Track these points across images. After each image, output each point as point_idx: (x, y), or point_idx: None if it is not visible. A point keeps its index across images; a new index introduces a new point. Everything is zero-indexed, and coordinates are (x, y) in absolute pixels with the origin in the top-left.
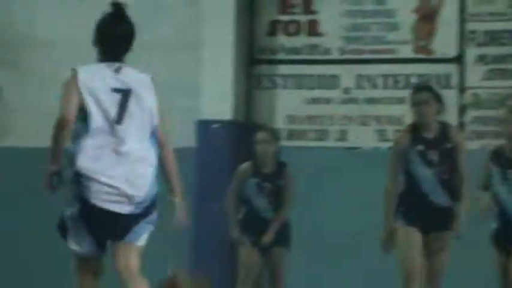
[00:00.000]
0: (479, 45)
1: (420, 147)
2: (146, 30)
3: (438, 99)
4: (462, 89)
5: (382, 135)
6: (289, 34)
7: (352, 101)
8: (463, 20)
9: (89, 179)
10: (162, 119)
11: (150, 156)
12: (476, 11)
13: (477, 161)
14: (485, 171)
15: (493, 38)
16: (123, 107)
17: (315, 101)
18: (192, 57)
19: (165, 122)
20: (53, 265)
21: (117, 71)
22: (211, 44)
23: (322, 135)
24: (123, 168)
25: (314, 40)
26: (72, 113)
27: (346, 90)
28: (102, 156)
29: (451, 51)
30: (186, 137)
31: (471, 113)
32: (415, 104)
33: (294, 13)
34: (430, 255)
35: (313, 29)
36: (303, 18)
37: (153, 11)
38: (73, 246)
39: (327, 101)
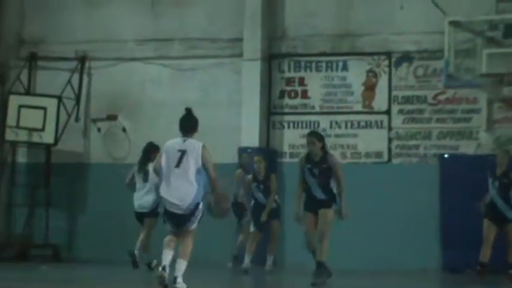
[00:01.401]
0: (399, 104)
1: (309, 166)
2: (215, 96)
3: (320, 139)
4: (390, 129)
5: (344, 156)
6: (290, 97)
7: (327, 136)
8: (390, 89)
9: (163, 197)
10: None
11: (191, 185)
12: (397, 84)
13: (400, 173)
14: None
15: (407, 100)
16: (181, 159)
17: (305, 135)
18: (237, 111)
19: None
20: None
21: (184, 141)
22: (247, 104)
23: None
24: (176, 191)
25: (305, 101)
26: (159, 165)
27: (323, 130)
28: (169, 186)
29: (383, 107)
30: (232, 157)
31: (395, 143)
32: (308, 143)
33: (293, 85)
34: (320, 221)
35: (304, 94)
36: (298, 88)
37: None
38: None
39: None
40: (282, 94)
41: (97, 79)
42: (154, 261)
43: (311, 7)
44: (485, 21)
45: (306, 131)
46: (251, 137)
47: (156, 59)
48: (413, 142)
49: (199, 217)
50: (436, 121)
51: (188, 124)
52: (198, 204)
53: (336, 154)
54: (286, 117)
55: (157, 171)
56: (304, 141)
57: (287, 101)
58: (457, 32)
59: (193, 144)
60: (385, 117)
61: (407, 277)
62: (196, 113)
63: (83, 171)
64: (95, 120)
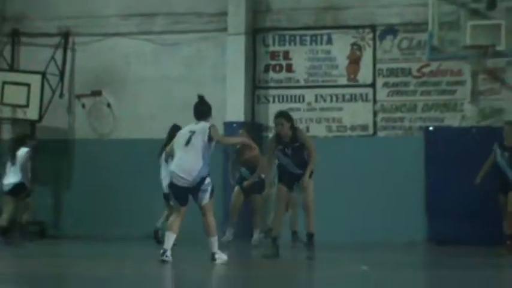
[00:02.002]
0: (384, 77)
1: (280, 147)
2: (200, 71)
3: (288, 119)
4: (375, 102)
5: (329, 130)
6: (275, 71)
7: (312, 109)
8: (374, 63)
9: (172, 172)
10: (219, 135)
11: (197, 160)
12: (381, 57)
13: (385, 145)
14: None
15: (392, 73)
16: (190, 138)
17: (290, 109)
18: (221, 86)
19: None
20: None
21: (196, 123)
22: (232, 79)
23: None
24: (183, 164)
25: (290, 75)
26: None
27: (309, 103)
28: (178, 160)
29: (368, 80)
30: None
31: (380, 115)
32: (276, 124)
33: (278, 59)
34: (303, 194)
35: (289, 68)
36: (283, 62)
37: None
38: (171, 202)
39: (298, 109)
40: (266, 68)
41: (81, 55)
42: None
43: None
44: None
45: (292, 104)
46: (236, 112)
47: (139, 34)
48: (398, 115)
49: (209, 191)
50: (421, 94)
51: (200, 110)
52: (204, 178)
53: (321, 127)
54: (271, 91)
55: (169, 154)
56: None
57: (272, 75)
58: (441, 4)
59: (203, 126)
60: (370, 90)
61: (394, 250)
62: (180, 88)
63: (67, 147)
64: (79, 96)
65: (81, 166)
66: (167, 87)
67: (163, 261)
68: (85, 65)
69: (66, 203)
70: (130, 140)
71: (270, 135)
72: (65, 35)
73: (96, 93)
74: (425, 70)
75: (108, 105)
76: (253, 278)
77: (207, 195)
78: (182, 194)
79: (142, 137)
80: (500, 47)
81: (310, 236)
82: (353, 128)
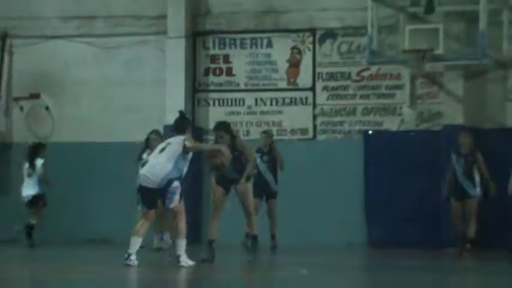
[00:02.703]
0: (324, 80)
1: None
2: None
3: (227, 130)
4: (314, 105)
5: (268, 133)
6: (215, 75)
7: (252, 113)
8: (314, 66)
9: (140, 174)
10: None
11: (166, 165)
12: (321, 60)
13: (325, 149)
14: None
15: (331, 77)
16: (163, 149)
17: (230, 113)
18: (161, 89)
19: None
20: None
21: (173, 136)
22: (172, 82)
23: (235, 131)
24: (151, 170)
25: (230, 78)
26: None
27: (249, 107)
28: (146, 165)
29: (308, 84)
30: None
31: (320, 119)
32: (216, 136)
33: (218, 63)
34: (241, 197)
35: (229, 72)
36: (223, 65)
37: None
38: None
39: (238, 113)
40: (206, 71)
41: (19, 57)
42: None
43: None
44: None
45: (232, 108)
46: (176, 115)
47: (79, 37)
48: (338, 118)
49: (178, 194)
50: (360, 97)
51: (179, 124)
52: (171, 180)
53: (260, 131)
54: (212, 95)
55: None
56: (227, 118)
57: (212, 78)
58: (380, 8)
59: (179, 138)
60: (309, 94)
61: (333, 252)
62: (121, 91)
63: (5, 150)
64: (17, 99)
65: (18, 170)
66: (107, 90)
67: (128, 265)
68: (23, 68)
69: (4, 207)
70: (69, 143)
71: (211, 137)
72: (3, 37)
73: (35, 96)
74: (365, 74)
75: (47, 108)
76: (173, 283)
77: (176, 197)
78: (150, 197)
79: (82, 140)
80: (439, 51)
81: (254, 238)
82: (293, 131)
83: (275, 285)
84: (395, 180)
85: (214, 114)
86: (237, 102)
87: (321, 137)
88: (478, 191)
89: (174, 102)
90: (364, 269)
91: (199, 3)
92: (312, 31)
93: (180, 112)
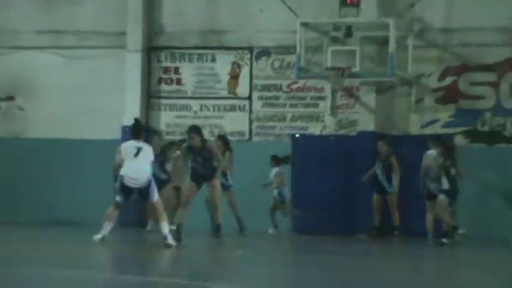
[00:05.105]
0: (259, 91)
1: (192, 155)
2: (102, 82)
3: (198, 133)
4: (251, 112)
5: (212, 134)
6: (167, 84)
7: (198, 117)
8: (251, 79)
9: (124, 176)
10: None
11: (146, 168)
12: (257, 74)
13: (259, 149)
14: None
15: (265, 88)
16: (137, 153)
17: (179, 117)
18: (120, 95)
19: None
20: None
21: (138, 142)
22: (131, 88)
23: (183, 134)
24: (135, 171)
25: (179, 87)
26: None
27: (195, 112)
28: (129, 167)
29: (246, 94)
30: (115, 134)
31: (255, 123)
32: (189, 138)
33: (170, 74)
34: (209, 192)
35: (179, 81)
36: (174, 76)
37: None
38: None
39: (185, 117)
40: (159, 81)
41: None
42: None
43: (184, 7)
44: (330, 23)
45: (180, 113)
46: (132, 117)
47: (50, 48)
48: (270, 123)
49: (155, 191)
50: (290, 106)
51: (137, 130)
52: (149, 180)
53: (205, 132)
54: (163, 101)
55: (119, 163)
56: (177, 121)
57: (164, 87)
58: (307, 31)
59: (146, 146)
60: (247, 102)
61: (262, 238)
62: (85, 95)
63: None
64: None
65: None
66: (73, 94)
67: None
68: (0, 73)
69: None
70: (40, 139)
71: (163, 138)
72: None
73: (10, 98)
74: (294, 86)
75: (21, 108)
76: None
77: (155, 193)
78: (129, 193)
79: (51, 137)
80: (355, 69)
81: (217, 226)
82: (232, 133)
83: (217, 264)
84: (316, 176)
85: (166, 118)
86: (185, 107)
87: (255, 139)
88: (393, 187)
89: (131, 107)
90: (291, 251)
91: (154, 22)
92: (250, 49)
93: (135, 119)
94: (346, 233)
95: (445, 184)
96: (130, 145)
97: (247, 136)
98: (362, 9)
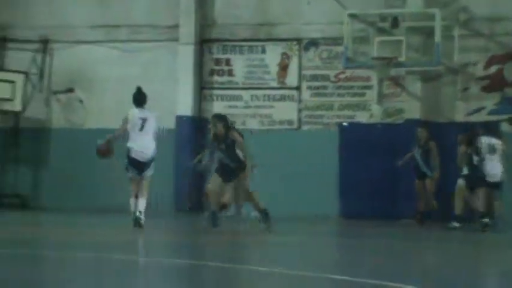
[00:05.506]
0: (307, 81)
1: (216, 143)
2: (156, 74)
3: (222, 120)
4: (300, 101)
5: (262, 124)
6: (218, 75)
7: (248, 107)
8: (300, 69)
9: (132, 148)
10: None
11: (152, 141)
12: (306, 65)
13: (307, 138)
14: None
15: (314, 78)
16: (143, 124)
17: (230, 106)
18: (173, 87)
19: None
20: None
21: (140, 110)
22: (183, 80)
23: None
24: (142, 145)
25: (230, 78)
26: (125, 126)
27: (246, 102)
28: (136, 141)
29: (294, 84)
30: (169, 124)
31: (304, 113)
32: (212, 125)
33: (221, 65)
34: (237, 186)
35: (230, 73)
36: (225, 68)
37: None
38: (129, 174)
39: (236, 106)
40: (211, 72)
41: (57, 58)
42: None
43: (235, 0)
44: (376, 14)
45: (231, 103)
46: (186, 108)
47: (106, 42)
48: (318, 112)
49: (153, 166)
50: (337, 95)
51: (141, 98)
52: (154, 156)
53: (255, 122)
54: (215, 92)
55: (122, 131)
56: (228, 111)
57: (216, 78)
58: (354, 22)
59: (152, 114)
60: (295, 92)
61: (311, 222)
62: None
63: (46, 134)
64: (55, 92)
65: (56, 150)
66: (128, 86)
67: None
68: (61, 67)
69: (43, 179)
70: (97, 129)
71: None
72: (44, 42)
73: (70, 90)
74: (341, 76)
75: (80, 100)
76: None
77: (152, 167)
78: (140, 166)
79: (107, 127)
80: (401, 59)
81: (266, 212)
82: (281, 122)
83: (270, 248)
84: (364, 164)
85: (217, 108)
86: (236, 98)
87: (304, 128)
88: (433, 173)
89: (184, 97)
90: (338, 235)
91: (207, 15)
92: (299, 40)
93: (138, 88)
94: (392, 218)
95: (465, 170)
96: (135, 117)
97: (296, 125)
98: (408, 0)
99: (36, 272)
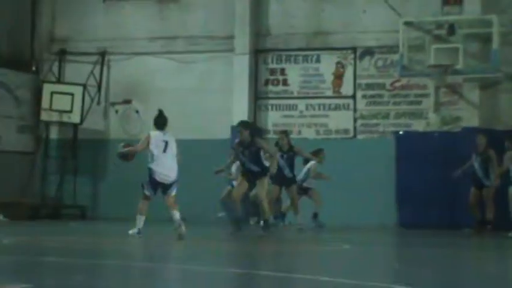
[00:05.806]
0: (363, 90)
1: (241, 149)
2: (211, 84)
3: (247, 127)
4: (355, 110)
5: (318, 133)
6: (273, 85)
7: (303, 116)
8: (355, 78)
9: (156, 171)
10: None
11: (175, 163)
12: (361, 73)
13: (363, 145)
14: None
15: (369, 87)
16: (165, 147)
17: (286, 116)
18: (229, 96)
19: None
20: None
21: (163, 133)
22: (237, 91)
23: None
24: (167, 167)
25: (285, 88)
26: (144, 145)
27: (301, 111)
28: (160, 164)
29: (350, 92)
30: (225, 134)
31: (359, 122)
32: (238, 132)
33: (276, 75)
34: (257, 188)
35: (285, 82)
36: (280, 77)
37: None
38: (146, 191)
39: (292, 116)
40: (266, 82)
41: (115, 70)
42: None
43: (289, 10)
44: (432, 22)
45: (286, 112)
46: (241, 118)
47: (163, 54)
48: (374, 121)
49: (176, 186)
50: (393, 104)
51: (163, 121)
52: (177, 177)
53: (311, 131)
54: (270, 101)
55: (140, 149)
56: (283, 120)
57: (271, 87)
58: (409, 30)
59: (171, 137)
60: (351, 101)
61: (370, 232)
62: (196, 97)
63: (103, 145)
64: (113, 104)
65: (114, 161)
66: (185, 96)
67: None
68: (118, 79)
69: (102, 190)
70: None
71: (269, 136)
72: (102, 54)
73: (127, 101)
74: (397, 85)
75: (137, 111)
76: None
77: (176, 188)
78: (157, 187)
79: None
80: (458, 66)
81: (266, 221)
82: (337, 131)
83: (324, 257)
84: (421, 172)
85: (272, 118)
86: (291, 107)
87: (360, 137)
88: (491, 181)
89: (239, 108)
90: (396, 245)
91: (261, 26)
92: (353, 49)
93: (160, 111)
94: (451, 227)
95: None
96: (157, 139)
97: (351, 134)
98: (465, 7)
99: (103, 281)
